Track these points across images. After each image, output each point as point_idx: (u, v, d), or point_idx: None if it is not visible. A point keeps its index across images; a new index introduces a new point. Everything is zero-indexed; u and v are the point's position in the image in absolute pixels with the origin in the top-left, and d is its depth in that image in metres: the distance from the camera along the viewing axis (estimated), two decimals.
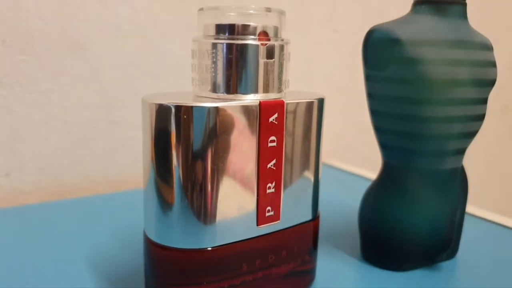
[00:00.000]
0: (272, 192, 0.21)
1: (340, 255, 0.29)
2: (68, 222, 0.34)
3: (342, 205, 0.39)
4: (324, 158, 0.24)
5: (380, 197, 0.28)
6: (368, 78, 0.27)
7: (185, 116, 0.19)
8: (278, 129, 0.21)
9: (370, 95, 0.27)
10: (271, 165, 0.21)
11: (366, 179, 0.47)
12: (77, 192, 0.43)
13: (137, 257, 0.28)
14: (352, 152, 0.61)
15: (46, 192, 0.42)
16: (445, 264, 0.29)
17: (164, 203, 0.20)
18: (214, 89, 0.21)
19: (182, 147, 0.19)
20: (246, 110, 0.20)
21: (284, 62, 0.21)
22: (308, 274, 0.25)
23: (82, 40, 0.41)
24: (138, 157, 0.45)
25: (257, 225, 0.21)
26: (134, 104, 0.44)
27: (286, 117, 0.21)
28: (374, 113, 0.27)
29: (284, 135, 0.21)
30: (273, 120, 0.20)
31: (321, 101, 0.23)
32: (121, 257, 0.28)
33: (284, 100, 0.21)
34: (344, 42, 0.58)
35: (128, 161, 0.45)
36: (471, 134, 0.26)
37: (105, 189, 0.45)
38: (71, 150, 0.43)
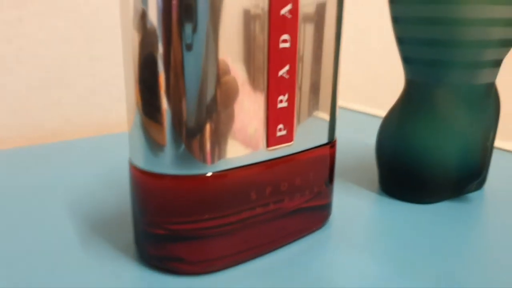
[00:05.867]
0: (285, 106, 0.17)
1: (357, 189, 0.26)
2: (46, 166, 0.30)
3: (352, 141, 0.36)
4: None
5: (402, 120, 0.24)
6: None
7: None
8: (291, 25, 0.17)
9: None
10: (283, 73, 0.17)
11: (370, 115, 0.44)
12: (57, 138, 0.39)
13: (123, 200, 0.24)
14: (352, 90, 0.57)
15: (21, 137, 0.38)
16: (473, 195, 0.25)
17: (153, 117, 0.16)
18: None
19: (173, 38, 0.15)
20: (253, 0, 0.16)
21: None
22: (324, 209, 0.21)
23: None
24: (124, 97, 0.41)
25: (267, 146, 0.18)
26: (119, 37, 0.39)
27: (301, 10, 0.17)
28: (397, 19, 0.23)
29: (299, 33, 0.17)
30: (286, 13, 0.16)
31: None
32: (105, 201, 0.25)
33: None
34: None
35: (113, 103, 0.41)
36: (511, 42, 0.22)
37: (88, 133, 0.41)
38: (48, 89, 0.38)
